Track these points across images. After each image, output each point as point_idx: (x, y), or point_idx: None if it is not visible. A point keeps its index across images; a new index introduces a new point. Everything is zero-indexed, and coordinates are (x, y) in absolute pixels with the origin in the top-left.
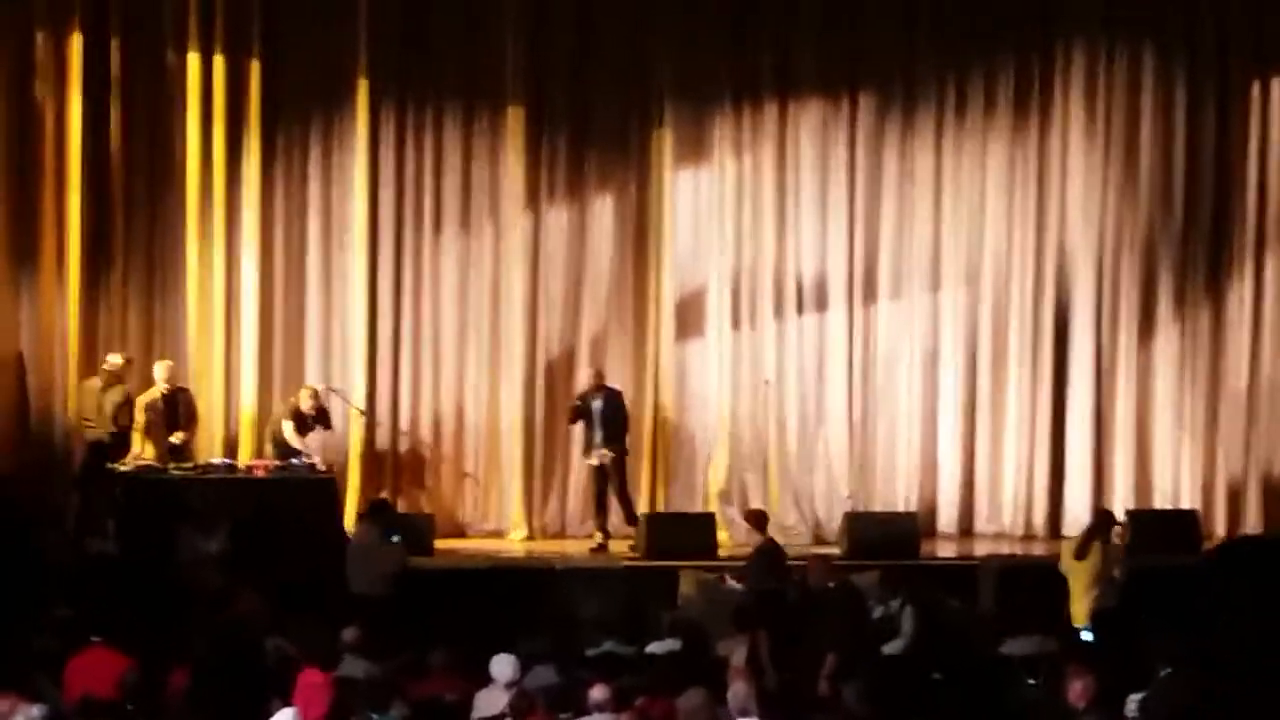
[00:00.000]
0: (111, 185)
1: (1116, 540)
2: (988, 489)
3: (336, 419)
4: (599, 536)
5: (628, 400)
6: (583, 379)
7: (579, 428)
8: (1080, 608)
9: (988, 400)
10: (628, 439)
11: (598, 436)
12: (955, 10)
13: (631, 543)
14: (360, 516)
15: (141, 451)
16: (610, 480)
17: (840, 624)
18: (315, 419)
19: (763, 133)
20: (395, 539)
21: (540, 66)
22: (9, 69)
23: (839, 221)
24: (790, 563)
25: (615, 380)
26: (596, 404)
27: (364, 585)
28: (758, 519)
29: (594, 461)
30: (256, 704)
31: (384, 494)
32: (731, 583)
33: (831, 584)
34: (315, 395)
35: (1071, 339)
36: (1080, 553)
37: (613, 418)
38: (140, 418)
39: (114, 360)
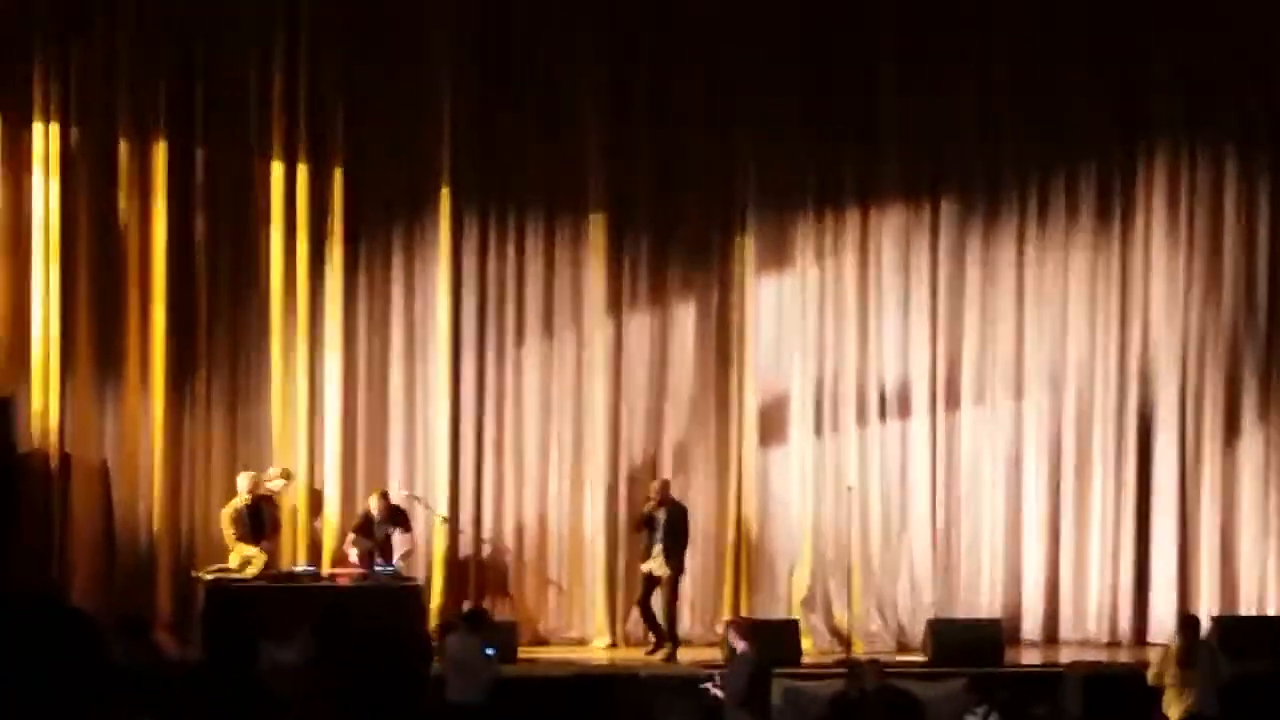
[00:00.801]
0: (195, 293)
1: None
2: (1072, 595)
3: (418, 526)
4: (668, 648)
5: (710, 507)
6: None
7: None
8: (1175, 715)
9: (1072, 506)
10: (686, 554)
11: (656, 548)
12: (1036, 115)
13: (664, 652)
14: (451, 624)
15: (248, 562)
16: (661, 592)
17: None
18: (386, 521)
19: (845, 238)
20: (490, 652)
21: (622, 173)
22: (94, 178)
23: (921, 327)
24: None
25: (698, 487)
26: (660, 515)
27: (460, 694)
28: (739, 628)
29: (649, 569)
30: None
31: (467, 603)
32: (715, 690)
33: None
34: (383, 497)
35: (1155, 444)
36: (1188, 659)
37: (674, 531)
38: (227, 529)
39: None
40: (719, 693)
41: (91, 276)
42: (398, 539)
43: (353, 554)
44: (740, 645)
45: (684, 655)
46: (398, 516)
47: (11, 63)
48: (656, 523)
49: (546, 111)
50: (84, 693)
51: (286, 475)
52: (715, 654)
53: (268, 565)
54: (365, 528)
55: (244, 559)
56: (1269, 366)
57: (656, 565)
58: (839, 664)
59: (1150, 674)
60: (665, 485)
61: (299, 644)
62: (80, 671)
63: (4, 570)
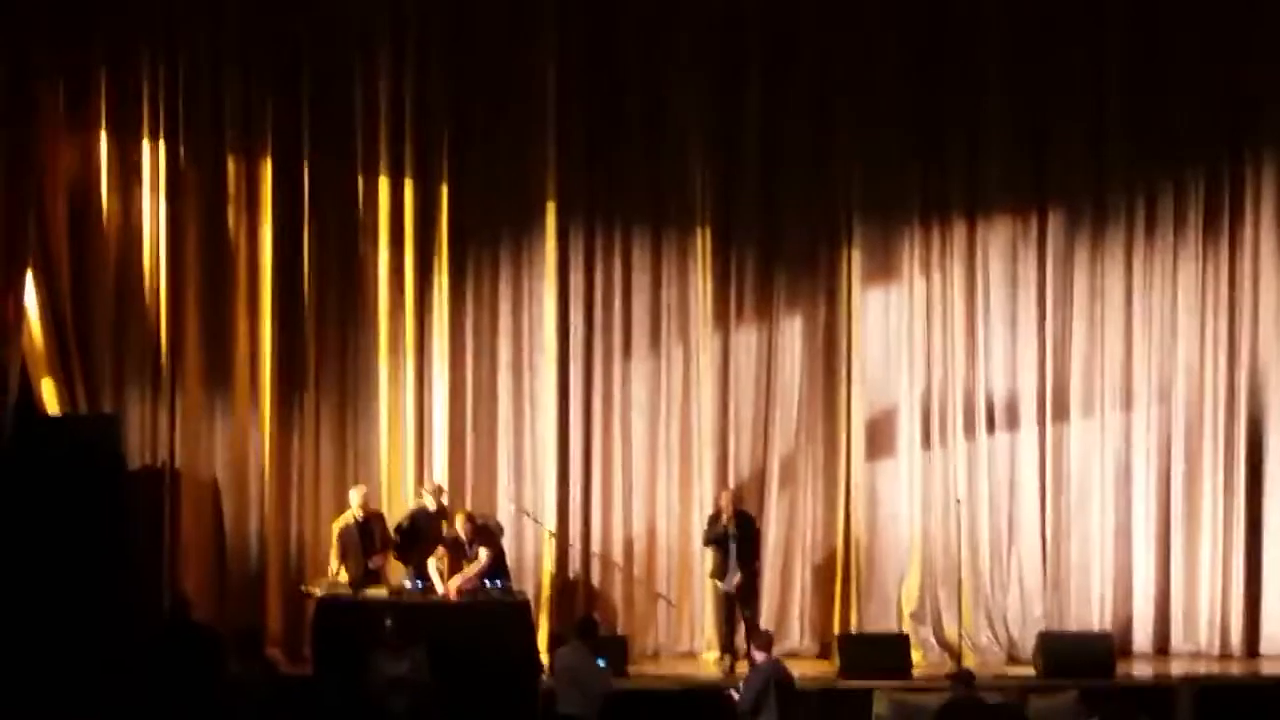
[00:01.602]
0: (303, 310)
1: None
2: (1183, 607)
3: (528, 542)
4: (726, 659)
5: (818, 520)
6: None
7: (708, 548)
8: None
9: (1182, 518)
10: (757, 563)
11: (732, 562)
12: (1144, 126)
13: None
14: (562, 636)
15: (337, 575)
16: (741, 606)
17: None
18: (474, 541)
19: (951, 251)
20: (602, 664)
21: (728, 187)
22: (202, 195)
23: (1029, 339)
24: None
25: (806, 501)
26: (732, 529)
27: (573, 706)
28: (760, 641)
29: (724, 587)
30: None
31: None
32: (734, 693)
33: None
34: (470, 519)
35: (1266, 454)
36: None
37: (746, 543)
38: (336, 544)
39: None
40: (736, 696)
41: (200, 293)
42: (484, 557)
43: (433, 572)
44: (759, 657)
45: (794, 668)
46: (485, 536)
47: (120, 80)
48: (729, 537)
49: (652, 125)
50: (204, 706)
51: (438, 491)
52: (826, 667)
53: (379, 580)
54: (453, 547)
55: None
56: None
57: (735, 583)
58: (948, 677)
59: None
60: (738, 498)
61: (411, 658)
62: (203, 686)
63: (117, 588)
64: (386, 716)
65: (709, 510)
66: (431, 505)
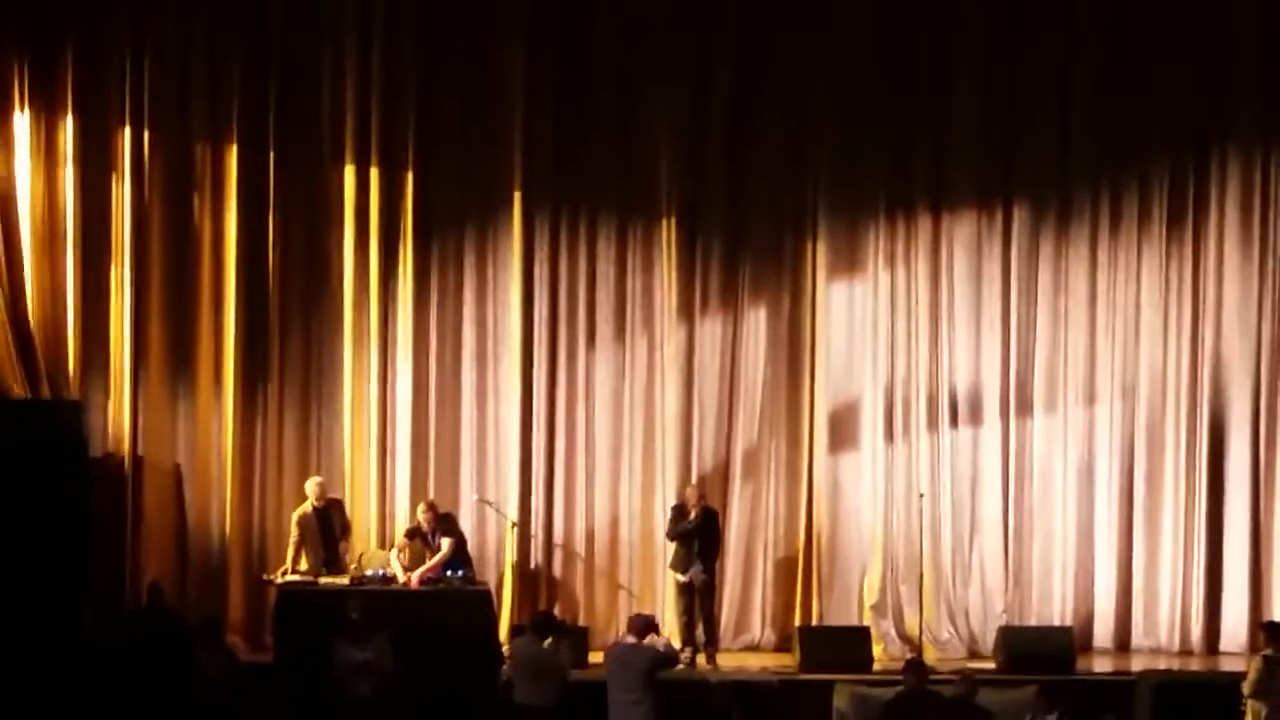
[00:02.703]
0: (268, 297)
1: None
2: (1144, 603)
3: (489, 531)
4: (687, 651)
5: (781, 513)
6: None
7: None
8: None
9: (1143, 513)
10: (719, 558)
11: (694, 554)
12: (1109, 121)
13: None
14: (522, 628)
15: (296, 565)
16: (700, 599)
17: None
18: (435, 530)
19: (916, 245)
20: (548, 642)
21: (694, 178)
22: (167, 182)
23: (993, 334)
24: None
25: (769, 493)
26: (696, 522)
27: (528, 697)
28: (638, 625)
29: (684, 579)
30: None
31: (541, 607)
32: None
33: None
34: (430, 507)
35: (1228, 451)
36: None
37: (710, 538)
38: (294, 532)
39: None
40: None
41: (164, 280)
42: (446, 546)
43: (394, 562)
44: (631, 641)
45: (754, 661)
46: (447, 525)
47: (87, 64)
48: (693, 530)
49: (619, 115)
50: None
51: (431, 507)
52: (787, 660)
53: (339, 569)
54: (414, 536)
55: (283, 570)
56: None
57: (695, 574)
58: (902, 669)
59: (1248, 685)
60: (702, 492)
61: (374, 645)
62: (175, 673)
63: (79, 574)
64: (350, 703)
65: (671, 501)
66: (425, 520)
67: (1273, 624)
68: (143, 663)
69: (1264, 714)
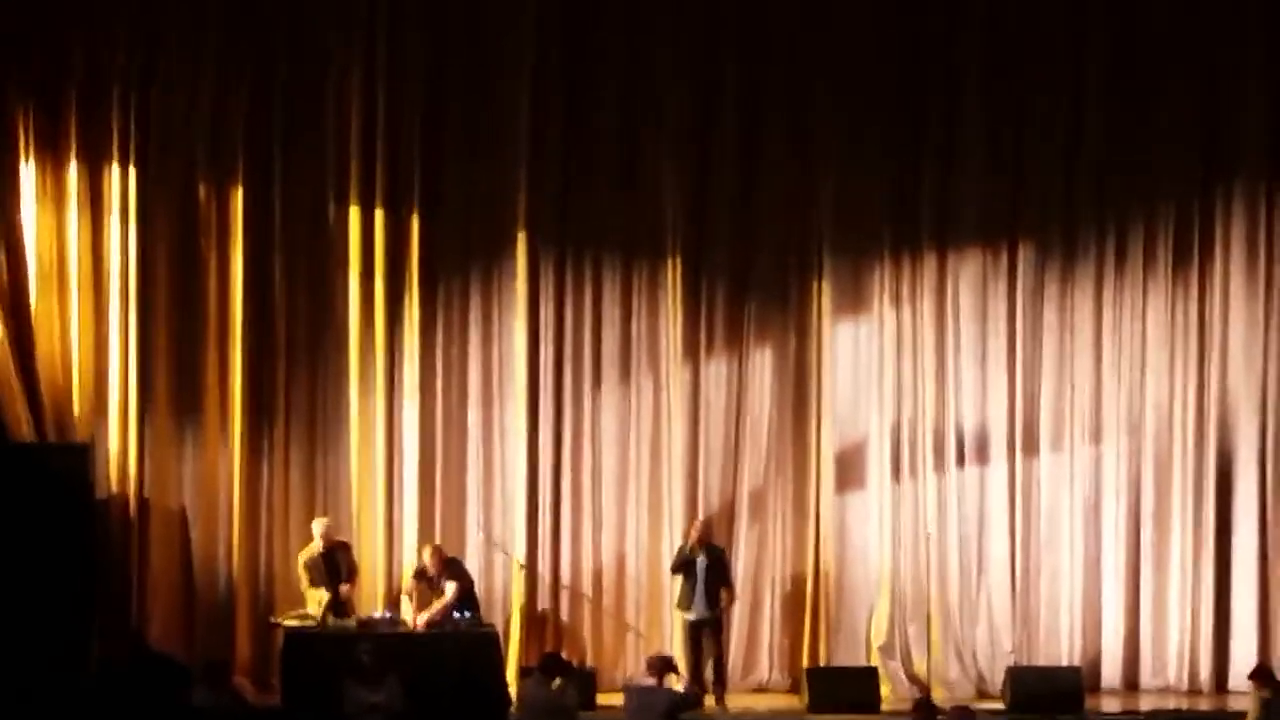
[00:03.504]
0: (274, 338)
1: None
2: (1152, 642)
3: (496, 572)
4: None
5: (788, 553)
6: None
7: (677, 580)
8: None
9: (1151, 552)
10: (724, 596)
11: (698, 592)
12: (1115, 163)
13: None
14: (530, 669)
15: (305, 607)
16: (709, 638)
17: None
18: (441, 574)
19: (922, 284)
20: (556, 683)
21: (699, 219)
22: (172, 222)
23: (999, 372)
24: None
25: (775, 533)
26: (701, 559)
27: None
28: (656, 665)
29: (692, 617)
30: None
31: (549, 649)
32: None
33: None
34: (436, 551)
35: (1235, 488)
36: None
37: (716, 575)
38: (304, 575)
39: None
40: None
41: (170, 321)
42: (451, 591)
43: (406, 605)
44: (650, 682)
45: (762, 702)
46: (453, 569)
47: (90, 108)
48: (698, 567)
49: (624, 157)
50: None
51: (436, 550)
52: (795, 701)
53: (346, 611)
54: (422, 577)
55: (322, 604)
56: None
57: (699, 611)
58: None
59: None
60: (708, 526)
61: (387, 687)
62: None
63: (85, 615)
64: None
65: (679, 542)
66: (430, 563)
67: (1260, 669)
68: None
69: None
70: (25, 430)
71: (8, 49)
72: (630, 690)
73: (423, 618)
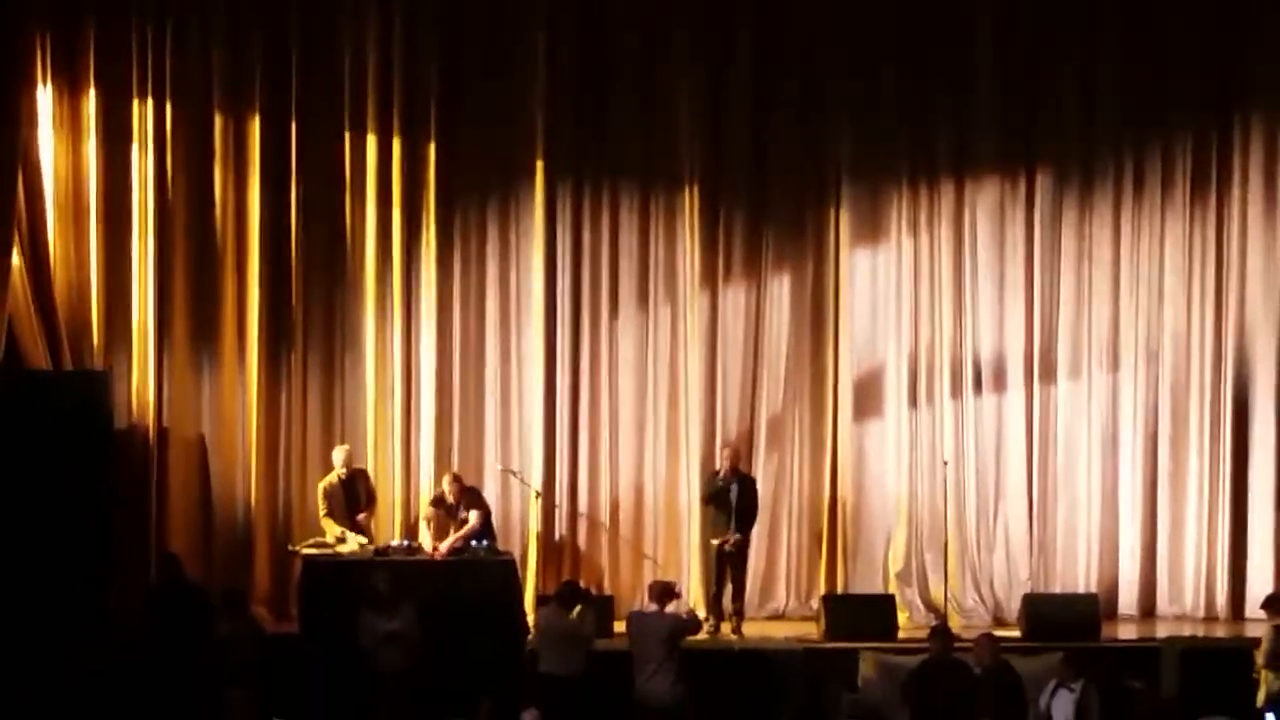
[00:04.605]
0: (290, 268)
1: None
2: (1168, 569)
3: (514, 501)
4: (711, 620)
5: (805, 481)
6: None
7: (694, 508)
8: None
9: (1168, 479)
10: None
11: (731, 521)
12: (1132, 88)
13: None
14: (547, 598)
15: (323, 534)
16: (733, 566)
17: (1000, 705)
18: (459, 504)
19: (939, 212)
20: (575, 612)
21: (716, 147)
22: (189, 153)
23: (1016, 300)
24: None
25: (793, 461)
26: (733, 488)
27: (553, 666)
28: (656, 591)
29: (724, 545)
30: None
31: (566, 577)
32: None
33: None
34: (456, 480)
35: (1252, 416)
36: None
37: (747, 504)
38: (323, 504)
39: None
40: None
41: (187, 251)
42: (475, 518)
43: (425, 533)
44: (652, 608)
45: (780, 629)
46: (472, 498)
47: (108, 36)
48: (730, 496)
49: (641, 84)
50: (193, 665)
51: (456, 479)
52: (812, 629)
53: (365, 538)
54: (440, 505)
55: (337, 536)
56: None
57: (732, 541)
58: (929, 635)
59: (1261, 654)
60: (737, 454)
61: (403, 614)
62: (193, 643)
63: (102, 543)
64: (380, 672)
65: (696, 470)
66: (451, 499)
67: (1273, 598)
68: (163, 637)
69: (1276, 684)
70: (41, 359)
71: None
72: (632, 617)
73: (445, 544)
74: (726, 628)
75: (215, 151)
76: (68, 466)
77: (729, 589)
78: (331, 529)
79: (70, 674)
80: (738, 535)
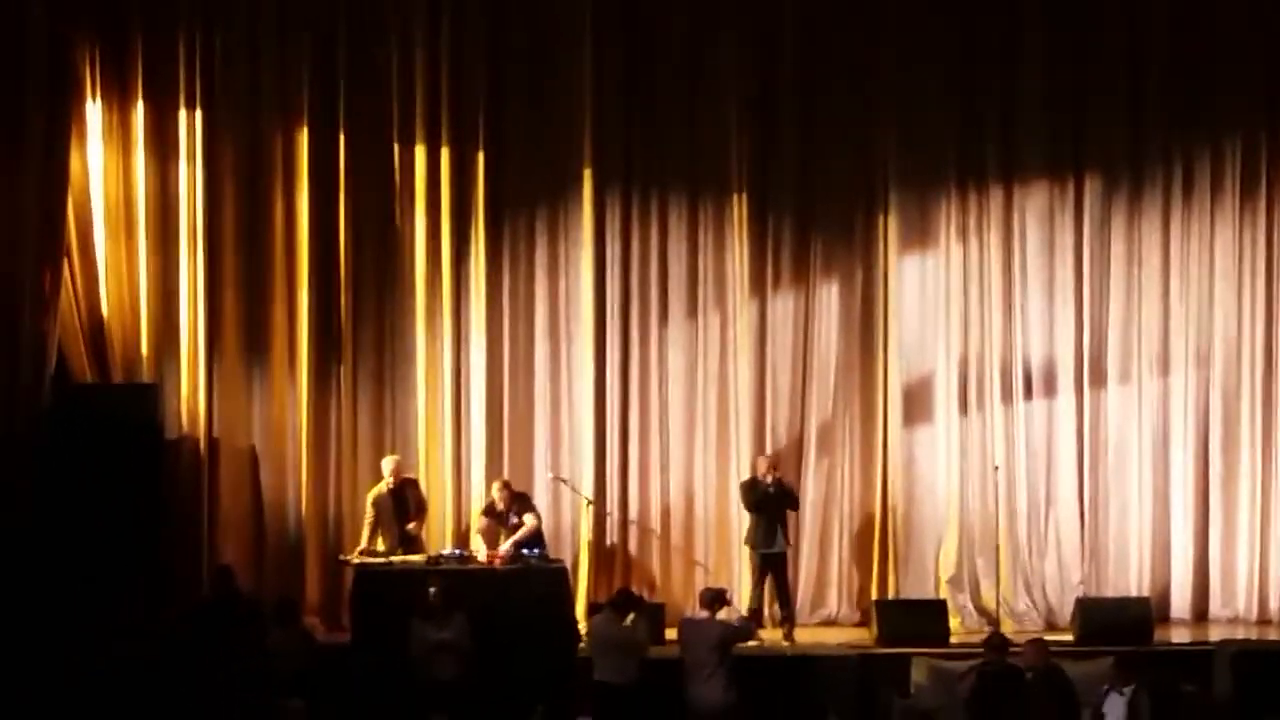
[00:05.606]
0: (340, 279)
1: None
2: (1221, 573)
3: (564, 510)
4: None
5: (856, 487)
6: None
7: (743, 514)
8: None
9: (1220, 483)
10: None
11: (775, 528)
12: (1181, 92)
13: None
14: (600, 606)
15: (371, 545)
16: (777, 573)
17: (1051, 708)
18: (509, 510)
19: (988, 217)
20: (629, 619)
21: (764, 153)
22: (238, 164)
23: (1066, 305)
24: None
25: (843, 467)
26: (773, 494)
27: (606, 674)
28: (707, 598)
29: (767, 551)
30: None
31: (617, 585)
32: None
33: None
34: (506, 486)
35: None
36: None
37: (787, 508)
38: (370, 512)
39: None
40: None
41: (237, 262)
42: (530, 521)
43: (477, 541)
44: (703, 615)
45: (831, 635)
46: (524, 503)
47: (156, 49)
48: (771, 503)
49: (689, 92)
50: (243, 676)
51: (506, 485)
52: (864, 634)
53: (416, 548)
54: (491, 513)
55: (388, 546)
56: None
57: (774, 545)
58: (982, 643)
59: None
60: (776, 464)
61: (455, 624)
62: (244, 655)
63: (154, 555)
64: (431, 682)
65: (746, 477)
66: (501, 505)
67: None
68: (216, 650)
69: None
70: (91, 373)
71: None
72: (683, 623)
73: (502, 548)
74: (777, 634)
75: (263, 163)
76: (119, 479)
77: (778, 595)
78: (373, 539)
79: (121, 684)
80: (779, 546)
